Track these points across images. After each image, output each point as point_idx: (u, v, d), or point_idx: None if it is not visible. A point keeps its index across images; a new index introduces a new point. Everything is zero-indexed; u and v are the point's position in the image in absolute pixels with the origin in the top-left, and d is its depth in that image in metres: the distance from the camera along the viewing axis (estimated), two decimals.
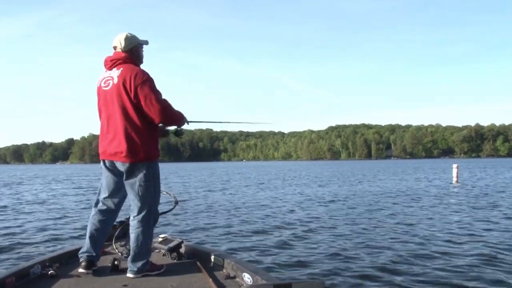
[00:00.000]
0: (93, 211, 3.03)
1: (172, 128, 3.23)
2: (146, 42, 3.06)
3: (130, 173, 2.85)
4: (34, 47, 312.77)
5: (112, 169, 2.93)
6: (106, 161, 2.94)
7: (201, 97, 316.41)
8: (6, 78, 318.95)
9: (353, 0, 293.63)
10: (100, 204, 3.01)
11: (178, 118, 3.01)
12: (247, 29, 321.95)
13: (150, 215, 2.92)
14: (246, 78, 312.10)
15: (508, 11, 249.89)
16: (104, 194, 3.00)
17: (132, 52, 2.94)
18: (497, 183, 18.55)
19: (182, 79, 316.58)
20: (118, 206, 3.06)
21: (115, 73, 2.84)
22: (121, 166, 2.86)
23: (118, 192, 2.99)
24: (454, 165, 22.17)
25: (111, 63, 2.91)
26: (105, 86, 2.87)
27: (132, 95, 2.77)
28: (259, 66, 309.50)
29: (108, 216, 3.03)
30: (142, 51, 3.05)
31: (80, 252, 2.97)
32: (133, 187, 2.87)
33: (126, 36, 2.93)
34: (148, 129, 2.85)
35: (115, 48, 2.95)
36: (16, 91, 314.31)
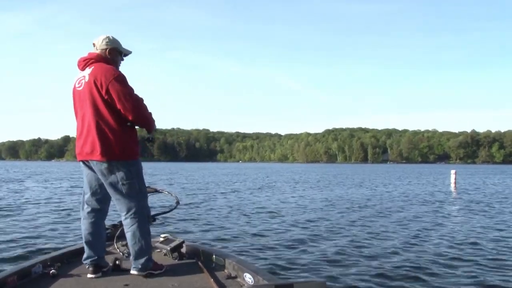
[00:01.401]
0: (82, 215, 2.99)
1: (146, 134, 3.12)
2: (127, 51, 3.06)
3: (109, 172, 2.79)
4: (32, 44, 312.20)
5: (91, 168, 2.89)
6: (85, 161, 2.90)
7: (200, 97, 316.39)
8: (3, 73, 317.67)
9: (354, 4, 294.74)
10: (86, 205, 2.97)
11: (151, 118, 2.96)
12: (247, 29, 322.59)
13: (142, 210, 2.88)
14: (245, 78, 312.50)
15: (506, 19, 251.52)
16: (87, 193, 2.96)
17: (108, 53, 2.93)
18: (495, 189, 18.61)
19: (182, 79, 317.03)
20: (105, 203, 3.01)
21: (87, 72, 2.84)
22: (99, 165, 2.80)
23: (101, 190, 2.94)
24: (452, 171, 22.16)
25: (83, 63, 2.91)
26: (79, 87, 2.86)
27: (103, 92, 2.74)
28: (258, 66, 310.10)
29: (97, 216, 2.97)
30: (121, 59, 3.04)
31: (83, 259, 2.95)
32: (116, 187, 2.81)
33: (108, 36, 2.95)
34: (123, 126, 2.81)
35: (94, 45, 2.95)
36: (13, 87, 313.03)
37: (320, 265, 4.93)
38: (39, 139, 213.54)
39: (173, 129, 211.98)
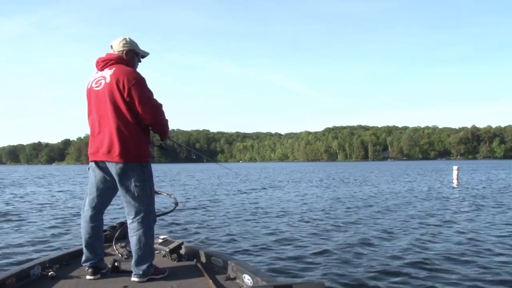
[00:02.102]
0: (82, 218, 2.98)
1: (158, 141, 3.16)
2: (145, 53, 3.06)
3: (124, 173, 2.79)
4: (30, 47, 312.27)
5: (104, 169, 2.87)
6: (98, 162, 2.88)
7: (198, 98, 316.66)
8: (2, 77, 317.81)
9: (351, 2, 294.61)
10: (88, 207, 2.95)
11: (167, 125, 2.98)
12: (247, 29, 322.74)
13: (150, 215, 2.88)
14: (245, 78, 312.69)
15: (505, 13, 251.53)
16: (93, 194, 2.94)
17: (125, 54, 2.93)
18: (498, 185, 18.48)
19: (179, 80, 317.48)
20: (105, 206, 3.02)
21: (108, 72, 2.83)
22: (114, 166, 2.79)
23: (106, 192, 2.94)
24: (455, 167, 22.08)
25: (103, 64, 2.91)
26: (97, 87, 2.85)
27: (125, 94, 2.74)
28: (258, 66, 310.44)
29: (97, 218, 2.97)
30: (138, 60, 3.04)
31: (82, 262, 2.94)
32: (128, 188, 2.82)
33: (125, 38, 2.95)
34: (141, 128, 2.83)
35: (111, 47, 2.96)
36: (12, 91, 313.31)
37: (320, 266, 4.90)
38: (39, 143, 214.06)
39: (173, 130, 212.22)
